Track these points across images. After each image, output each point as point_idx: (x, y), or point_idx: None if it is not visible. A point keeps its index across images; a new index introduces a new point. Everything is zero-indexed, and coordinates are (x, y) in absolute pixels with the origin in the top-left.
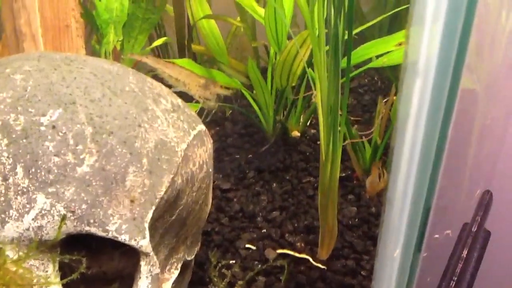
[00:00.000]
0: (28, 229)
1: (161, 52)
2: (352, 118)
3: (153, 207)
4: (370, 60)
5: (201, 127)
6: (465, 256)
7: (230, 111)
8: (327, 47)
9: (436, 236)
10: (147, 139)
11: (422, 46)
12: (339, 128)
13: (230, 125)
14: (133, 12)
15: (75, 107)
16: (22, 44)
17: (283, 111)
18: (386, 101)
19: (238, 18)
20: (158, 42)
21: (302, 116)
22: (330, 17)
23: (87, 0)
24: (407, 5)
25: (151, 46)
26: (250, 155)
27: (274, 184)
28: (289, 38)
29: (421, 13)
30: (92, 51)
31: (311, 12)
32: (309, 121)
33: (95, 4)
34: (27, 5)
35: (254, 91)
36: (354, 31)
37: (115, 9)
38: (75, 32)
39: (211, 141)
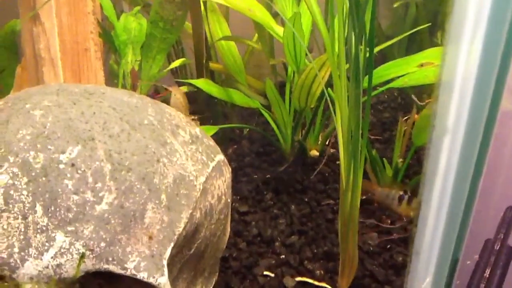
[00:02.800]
0: (47, 267)
1: (180, 72)
2: (372, 136)
3: (172, 244)
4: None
5: (220, 157)
6: (487, 276)
7: (248, 130)
8: (347, 65)
9: (468, 262)
10: (165, 174)
11: (458, 66)
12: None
13: (247, 143)
14: (151, 32)
15: (94, 144)
16: (41, 68)
17: (301, 130)
18: (406, 119)
19: (256, 35)
20: (176, 63)
21: (320, 135)
22: (350, 42)
23: (105, 19)
24: (428, 24)
25: (169, 68)
26: (268, 175)
27: (293, 207)
28: (306, 54)
29: (459, 31)
30: (110, 72)
31: (331, 37)
32: (327, 140)
33: (114, 24)
34: (47, 30)
35: (272, 109)
36: (374, 50)
37: (133, 29)
38: (94, 55)
39: (230, 169)
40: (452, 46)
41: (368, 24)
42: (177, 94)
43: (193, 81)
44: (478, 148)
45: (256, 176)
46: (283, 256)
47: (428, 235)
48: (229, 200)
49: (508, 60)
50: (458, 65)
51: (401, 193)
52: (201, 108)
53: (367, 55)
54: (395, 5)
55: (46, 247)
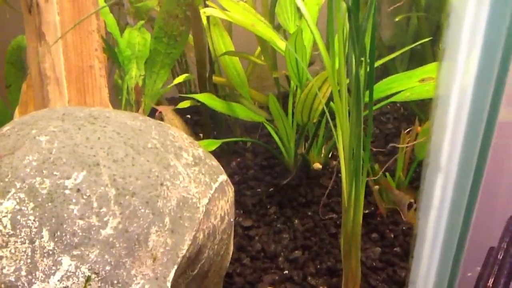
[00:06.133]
0: None
1: (185, 85)
2: (374, 149)
3: (175, 266)
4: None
5: (223, 177)
6: (491, 285)
7: (251, 142)
8: (348, 80)
9: (469, 274)
10: (169, 197)
11: (455, 81)
12: (361, 173)
13: (251, 156)
14: (155, 47)
15: (99, 169)
16: (46, 87)
17: (304, 143)
18: (409, 131)
19: (259, 49)
20: (179, 79)
21: (323, 147)
22: (351, 62)
23: (110, 34)
24: (430, 38)
25: (173, 84)
26: (271, 189)
27: (296, 221)
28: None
29: (455, 48)
30: (114, 86)
31: (331, 57)
32: (330, 153)
33: (117, 40)
34: (52, 50)
35: (275, 123)
36: (375, 64)
37: (137, 44)
38: (98, 72)
39: (232, 189)
40: (448, 62)
41: (368, 46)
42: (169, 114)
43: (197, 96)
44: (471, 181)
45: (259, 190)
46: (287, 272)
47: (424, 266)
48: (232, 220)
49: (505, 74)
50: (454, 83)
51: (412, 200)
52: (205, 120)
53: (368, 69)
54: (396, 19)
55: (52, 271)
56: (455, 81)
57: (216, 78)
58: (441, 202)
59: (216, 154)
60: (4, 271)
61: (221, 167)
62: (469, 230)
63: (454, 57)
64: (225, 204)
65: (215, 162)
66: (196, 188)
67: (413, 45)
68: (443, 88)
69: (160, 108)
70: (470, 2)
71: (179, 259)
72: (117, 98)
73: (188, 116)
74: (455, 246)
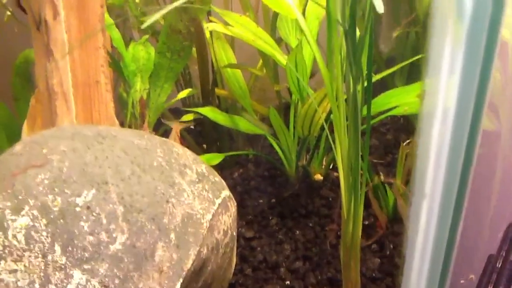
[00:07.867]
0: None
1: (188, 98)
2: (374, 160)
3: (181, 280)
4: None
5: (225, 193)
6: None
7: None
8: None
9: (462, 281)
10: (174, 214)
11: (439, 96)
12: (360, 185)
13: (253, 167)
14: (159, 62)
15: (107, 187)
16: (54, 102)
17: (306, 154)
18: (408, 142)
19: (261, 62)
20: (183, 94)
21: (324, 159)
22: (348, 79)
23: (115, 48)
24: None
25: (176, 98)
26: (273, 200)
27: (297, 232)
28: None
29: (437, 64)
30: (119, 99)
31: (329, 73)
32: (331, 164)
33: (123, 55)
34: (60, 67)
35: (277, 136)
36: (373, 79)
37: (142, 58)
38: (104, 87)
39: (235, 203)
40: (432, 79)
41: (365, 65)
42: (178, 131)
43: (200, 109)
44: (453, 208)
45: (261, 201)
46: (288, 282)
47: (414, 275)
48: (234, 234)
49: (485, 91)
50: (438, 96)
51: None
52: (208, 130)
53: (365, 86)
54: (394, 35)
55: (64, 284)
56: (437, 104)
57: (218, 91)
58: (427, 223)
59: (219, 165)
60: (19, 283)
61: (224, 183)
62: (455, 245)
63: (437, 76)
64: (228, 218)
65: (218, 178)
66: (200, 204)
67: (410, 60)
68: (427, 108)
69: (174, 125)
70: (449, 15)
71: (184, 273)
72: (122, 111)
73: (192, 127)
74: (442, 262)
